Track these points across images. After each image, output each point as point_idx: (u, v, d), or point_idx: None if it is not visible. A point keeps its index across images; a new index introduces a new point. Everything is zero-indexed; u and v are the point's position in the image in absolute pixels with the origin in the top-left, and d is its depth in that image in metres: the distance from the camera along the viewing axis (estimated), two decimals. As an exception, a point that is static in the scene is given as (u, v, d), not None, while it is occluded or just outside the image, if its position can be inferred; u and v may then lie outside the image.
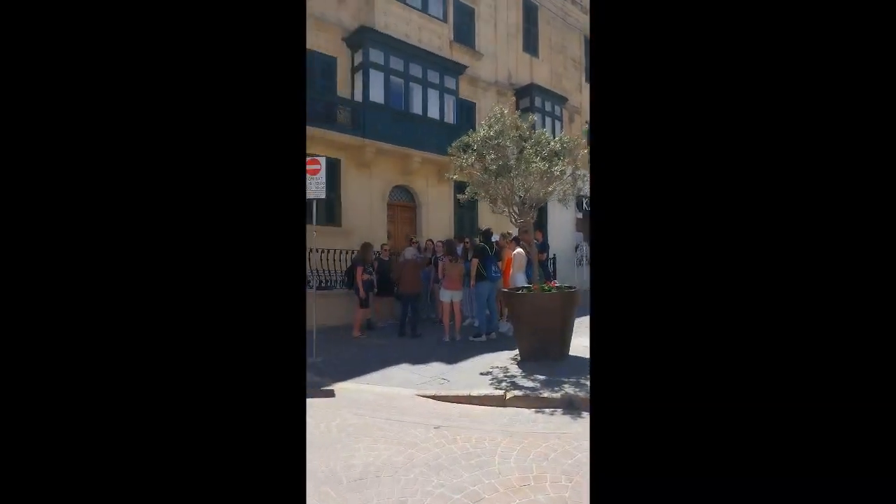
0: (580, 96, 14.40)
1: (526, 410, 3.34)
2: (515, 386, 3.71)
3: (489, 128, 4.55)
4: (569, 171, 4.82)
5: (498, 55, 11.99)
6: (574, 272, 10.92)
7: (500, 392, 3.56)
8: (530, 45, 12.98)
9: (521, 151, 4.66)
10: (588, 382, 3.69)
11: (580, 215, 14.25)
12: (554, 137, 4.90)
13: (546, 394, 3.48)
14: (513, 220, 4.92)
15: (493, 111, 4.76)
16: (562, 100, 12.87)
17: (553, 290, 4.49)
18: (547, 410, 3.30)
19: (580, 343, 4.95)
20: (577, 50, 14.58)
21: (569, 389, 3.54)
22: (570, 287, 4.57)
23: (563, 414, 3.22)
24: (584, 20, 14.72)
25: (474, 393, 3.61)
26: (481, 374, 4.16)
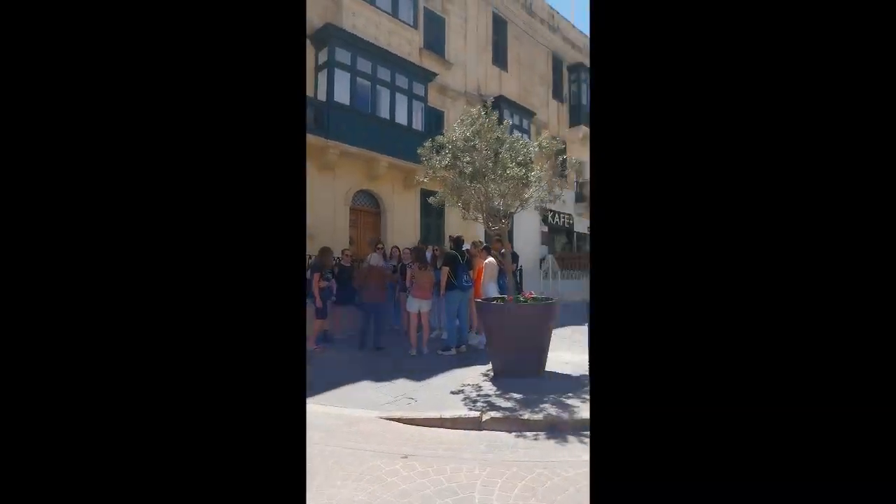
0: (547, 112, 14.54)
1: (505, 434, 2.99)
2: (492, 406, 3.36)
3: (467, 127, 4.26)
4: (545, 178, 4.59)
5: (468, 66, 11.91)
6: (540, 285, 10.80)
7: (476, 413, 3.20)
8: (499, 58, 13.00)
9: (496, 155, 4.40)
10: (571, 402, 3.39)
11: (545, 229, 14.27)
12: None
13: (526, 415, 3.14)
14: (488, 227, 4.63)
15: (467, 111, 4.48)
16: (530, 114, 12.91)
17: (529, 302, 4.20)
18: (529, 434, 2.97)
19: (557, 358, 4.68)
20: (544, 67, 14.78)
21: (550, 410, 3.23)
22: (547, 298, 4.30)
23: (547, 438, 2.89)
24: (550, 38, 14.98)
25: (446, 415, 3.23)
26: (452, 392, 3.79)
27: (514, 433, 3.00)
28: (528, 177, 4.37)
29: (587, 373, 4.05)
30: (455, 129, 4.38)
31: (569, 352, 5.18)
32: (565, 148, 4.63)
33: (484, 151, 4.29)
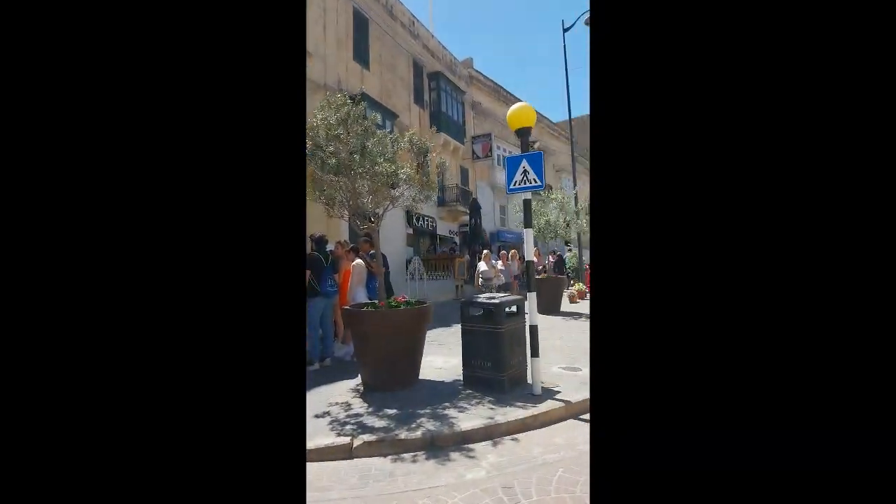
0: (409, 115, 14.56)
1: (380, 460, 2.64)
2: (363, 427, 2.97)
3: (331, 113, 3.79)
4: (415, 178, 4.36)
5: (327, 58, 11.24)
6: (406, 287, 10.65)
7: (345, 440, 2.78)
8: (361, 55, 12.58)
9: (363, 148, 4.03)
10: (449, 413, 3.19)
11: (410, 230, 14.26)
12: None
13: (403, 434, 2.83)
14: (356, 226, 4.21)
15: (332, 95, 4.02)
16: (393, 115, 12.75)
17: (402, 306, 3.91)
18: (406, 457, 2.66)
19: (429, 363, 4.48)
20: (405, 71, 14.79)
21: (428, 424, 2.97)
22: (420, 301, 4.07)
23: (427, 459, 2.62)
24: (411, 44, 15.08)
25: (311, 445, 2.74)
26: (317, 416, 3.29)
27: (389, 457, 2.66)
28: (398, 173, 4.09)
29: (461, 377, 3.92)
30: (316, 114, 3.88)
31: (440, 356, 5.04)
32: (429, 150, 4.40)
33: (351, 143, 3.88)
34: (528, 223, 3.60)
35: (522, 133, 3.54)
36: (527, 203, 3.64)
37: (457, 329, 6.96)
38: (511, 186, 3.62)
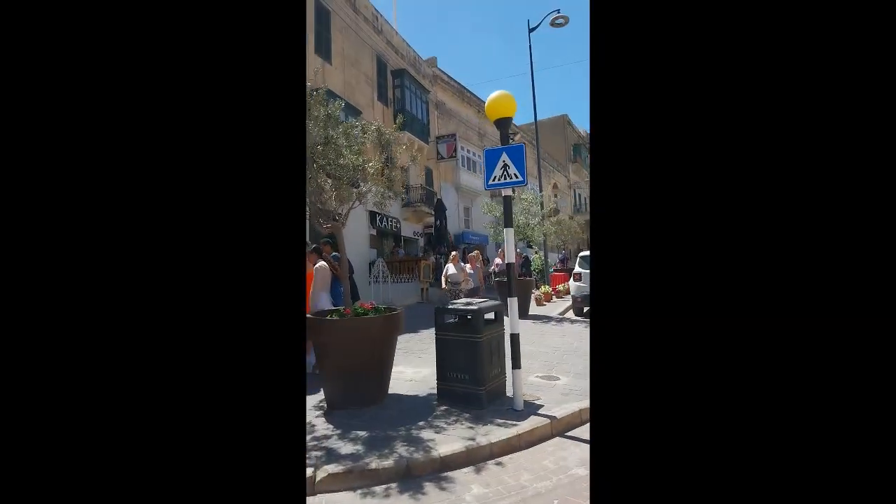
0: (373, 112, 14.10)
1: (347, 496, 2.27)
2: (328, 454, 2.58)
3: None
4: (379, 173, 4.01)
5: (286, 49, 10.62)
6: (370, 290, 10.21)
7: (308, 472, 2.39)
8: (322, 48, 12.03)
9: (326, 139, 3.64)
10: (423, 434, 2.85)
11: (373, 231, 13.78)
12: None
13: (374, 462, 2.47)
14: (318, 226, 3.81)
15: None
16: (356, 112, 12.26)
17: (371, 314, 3.54)
18: (378, 490, 2.30)
19: (398, 374, 4.12)
20: (369, 67, 14.32)
21: (401, 449, 2.62)
22: (390, 308, 3.70)
23: (401, 492, 2.28)
24: (375, 40, 14.63)
25: (264, 480, 2.33)
26: (272, 441, 2.87)
27: (359, 491, 2.30)
28: (365, 168, 3.72)
29: (435, 390, 3.60)
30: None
31: (409, 366, 4.69)
32: (391, 142, 4.04)
33: (313, 133, 3.48)
34: (508, 222, 3.32)
35: (502, 124, 3.26)
36: (507, 200, 3.37)
37: (425, 335, 6.64)
38: (490, 182, 3.34)
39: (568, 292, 12.05)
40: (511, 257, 3.32)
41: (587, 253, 9.01)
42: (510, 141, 3.33)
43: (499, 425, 2.95)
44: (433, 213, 15.67)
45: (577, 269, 8.47)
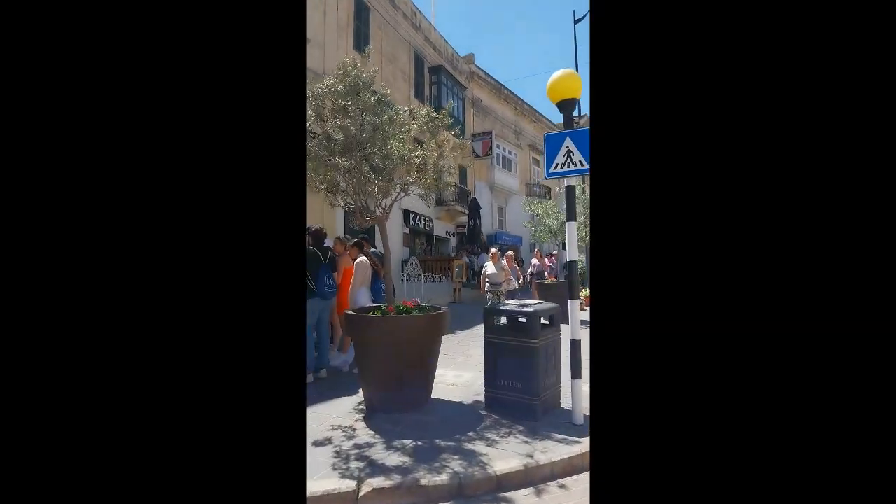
0: (409, 108, 13.96)
1: (397, 514, 2.03)
2: (372, 465, 2.36)
3: (338, 80, 3.18)
4: (430, 162, 3.77)
5: (326, 45, 10.63)
6: (403, 288, 10.04)
7: (349, 485, 2.16)
8: (361, 44, 11.96)
9: (374, 128, 3.42)
10: (475, 447, 2.58)
11: (406, 230, 13.64)
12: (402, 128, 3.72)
13: (424, 478, 2.22)
14: (362, 219, 3.60)
15: (342, 60, 3.41)
16: (393, 108, 12.14)
17: (414, 312, 3.31)
18: (431, 510, 2.06)
19: (440, 378, 3.87)
20: (406, 63, 14.21)
21: (453, 464, 2.37)
22: (435, 308, 3.46)
23: (459, 513, 2.02)
24: (413, 36, 14.51)
25: (309, 488, 2.12)
26: (316, 443, 2.67)
27: (409, 510, 2.06)
28: (414, 156, 3.49)
29: (482, 396, 3.33)
30: (323, 81, 3.27)
31: (449, 369, 4.43)
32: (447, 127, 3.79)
33: (359, 117, 3.28)
34: (570, 215, 3.01)
35: (566, 106, 2.96)
36: (570, 190, 3.06)
37: (462, 337, 6.39)
38: (550, 170, 3.04)
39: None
40: (574, 255, 3.01)
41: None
42: (575, 125, 3.03)
43: (558, 441, 2.65)
44: (467, 212, 15.40)
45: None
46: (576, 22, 11.29)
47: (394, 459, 2.43)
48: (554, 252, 12.67)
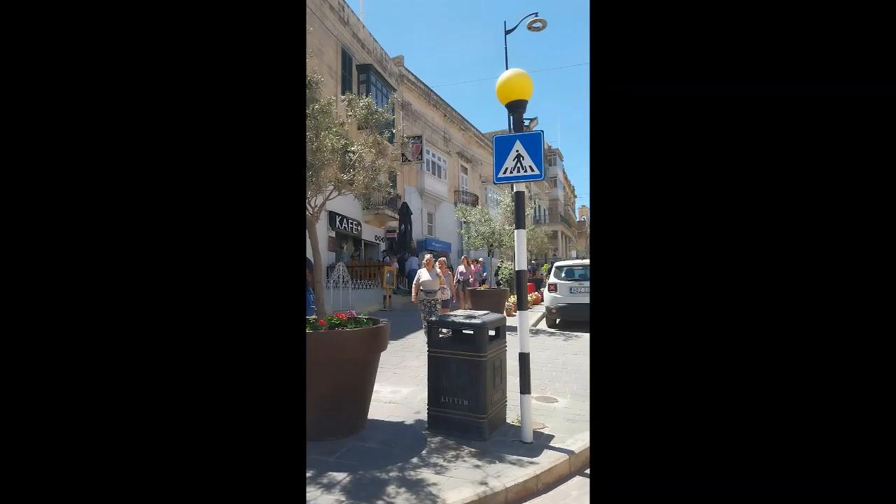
0: (336, 106, 13.36)
1: (335, 573, 1.70)
2: (302, 511, 1.99)
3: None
4: (368, 159, 3.46)
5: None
6: (329, 295, 9.47)
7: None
8: (285, 34, 11.22)
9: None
10: (423, 474, 2.31)
11: (332, 234, 12.98)
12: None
13: (366, 521, 1.91)
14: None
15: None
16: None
17: (349, 326, 2.96)
18: (377, 563, 1.75)
19: (376, 395, 3.54)
20: (333, 59, 13.58)
21: (401, 500, 2.07)
22: (373, 319, 3.14)
23: (409, 564, 1.73)
24: (341, 30, 13.94)
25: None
26: (226, 489, 2.22)
27: (350, 565, 1.74)
28: (348, 151, 3.16)
29: (424, 415, 3.06)
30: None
31: (386, 383, 4.11)
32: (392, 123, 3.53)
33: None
34: (520, 222, 2.86)
35: (515, 107, 2.81)
36: (519, 196, 2.91)
37: (396, 347, 6.04)
38: (499, 175, 2.87)
39: (536, 302, 11.84)
40: (522, 264, 2.86)
41: (563, 263, 8.76)
42: (525, 128, 2.89)
43: (511, 463, 2.46)
44: (397, 216, 15.06)
45: (552, 279, 8.19)
46: (507, 33, 11.49)
47: (327, 501, 2.08)
48: (480, 259, 12.73)
